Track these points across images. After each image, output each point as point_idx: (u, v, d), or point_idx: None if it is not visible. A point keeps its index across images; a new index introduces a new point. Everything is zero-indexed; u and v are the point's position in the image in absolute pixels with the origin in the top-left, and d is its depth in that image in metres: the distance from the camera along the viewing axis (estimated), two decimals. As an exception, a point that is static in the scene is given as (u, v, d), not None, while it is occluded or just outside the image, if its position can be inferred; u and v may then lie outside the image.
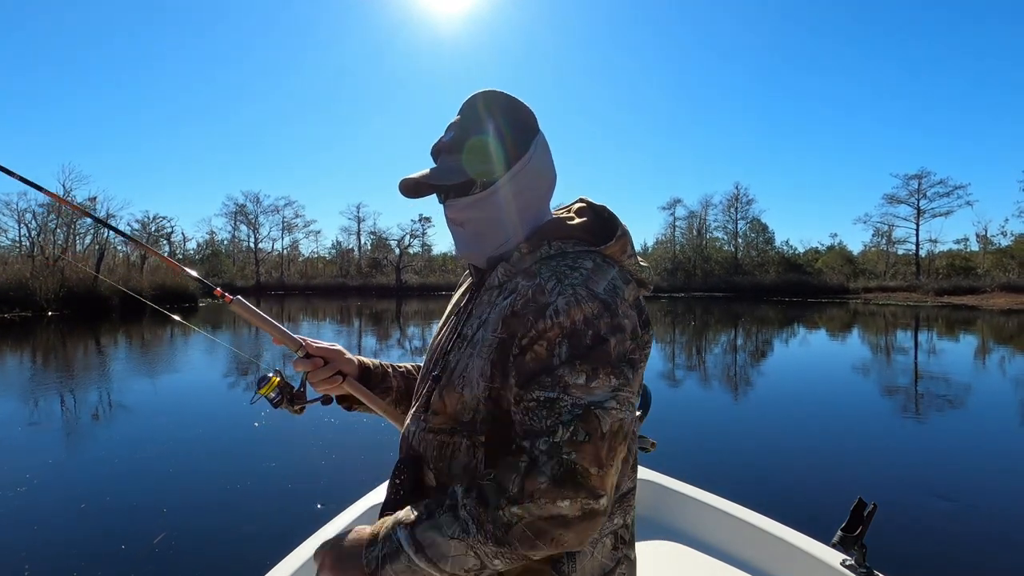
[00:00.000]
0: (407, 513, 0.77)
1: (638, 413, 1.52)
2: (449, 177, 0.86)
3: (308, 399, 1.03)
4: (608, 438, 0.72)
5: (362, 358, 1.11)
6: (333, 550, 0.80)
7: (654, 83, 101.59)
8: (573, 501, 0.69)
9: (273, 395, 1.01)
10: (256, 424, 6.47)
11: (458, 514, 0.73)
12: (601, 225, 0.90)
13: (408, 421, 0.94)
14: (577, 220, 0.90)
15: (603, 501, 0.71)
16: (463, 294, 1.01)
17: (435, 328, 1.05)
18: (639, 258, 0.90)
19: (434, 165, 0.91)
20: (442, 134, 0.90)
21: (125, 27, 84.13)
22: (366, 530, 0.80)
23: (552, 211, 0.95)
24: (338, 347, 1.07)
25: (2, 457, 5.22)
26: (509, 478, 0.71)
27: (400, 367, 1.16)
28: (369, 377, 1.10)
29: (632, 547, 0.90)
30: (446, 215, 0.91)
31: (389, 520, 0.78)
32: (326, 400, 1.04)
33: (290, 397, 1.02)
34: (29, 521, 3.84)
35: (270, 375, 1.02)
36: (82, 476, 4.75)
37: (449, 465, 0.83)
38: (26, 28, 73.86)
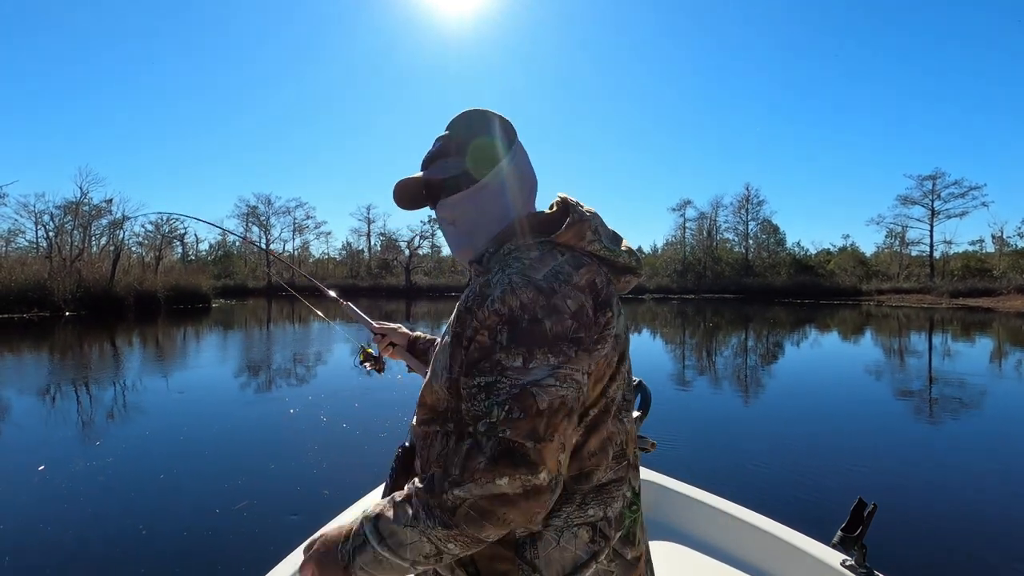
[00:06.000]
0: (374, 507, 0.81)
1: (637, 413, 1.55)
2: (443, 172, 0.94)
3: (376, 357, 1.50)
4: (547, 414, 0.73)
5: (419, 334, 1.48)
6: (315, 548, 0.85)
7: (663, 84, 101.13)
8: (512, 479, 0.71)
9: (362, 358, 1.53)
10: (260, 424, 6.56)
11: (411, 502, 0.76)
12: (564, 215, 0.92)
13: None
14: (547, 214, 0.95)
15: (543, 476, 0.72)
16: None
17: None
18: (624, 243, 0.94)
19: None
20: (431, 146, 0.99)
21: (138, 31, 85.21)
22: (344, 527, 0.84)
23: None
24: (395, 326, 1.48)
25: (6, 451, 5.36)
26: (452, 463, 0.75)
27: None
28: (414, 349, 1.44)
29: (630, 546, 0.88)
30: (439, 216, 0.98)
31: (360, 515, 0.83)
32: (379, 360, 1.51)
33: (369, 358, 1.52)
34: (10, 524, 3.92)
35: (359, 348, 1.55)
36: (85, 474, 4.84)
37: (428, 453, 0.90)
38: (36, 30, 75.10)
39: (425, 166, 0.99)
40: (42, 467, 4.88)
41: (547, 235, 0.89)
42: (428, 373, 0.94)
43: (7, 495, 4.30)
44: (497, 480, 0.71)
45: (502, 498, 0.71)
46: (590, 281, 0.84)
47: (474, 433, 0.75)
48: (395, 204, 1.02)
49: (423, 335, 1.47)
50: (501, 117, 0.97)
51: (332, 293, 1.71)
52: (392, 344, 1.45)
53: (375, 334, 1.48)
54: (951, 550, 3.54)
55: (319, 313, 2.14)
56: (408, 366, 1.46)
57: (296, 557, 1.77)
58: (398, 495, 0.80)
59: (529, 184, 0.98)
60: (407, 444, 0.98)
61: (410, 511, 0.76)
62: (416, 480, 0.80)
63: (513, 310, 0.77)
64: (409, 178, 0.99)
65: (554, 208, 0.96)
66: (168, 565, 3.24)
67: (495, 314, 0.78)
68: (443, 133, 0.99)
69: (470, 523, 0.72)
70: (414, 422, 0.96)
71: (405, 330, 1.47)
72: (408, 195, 1.00)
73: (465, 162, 0.93)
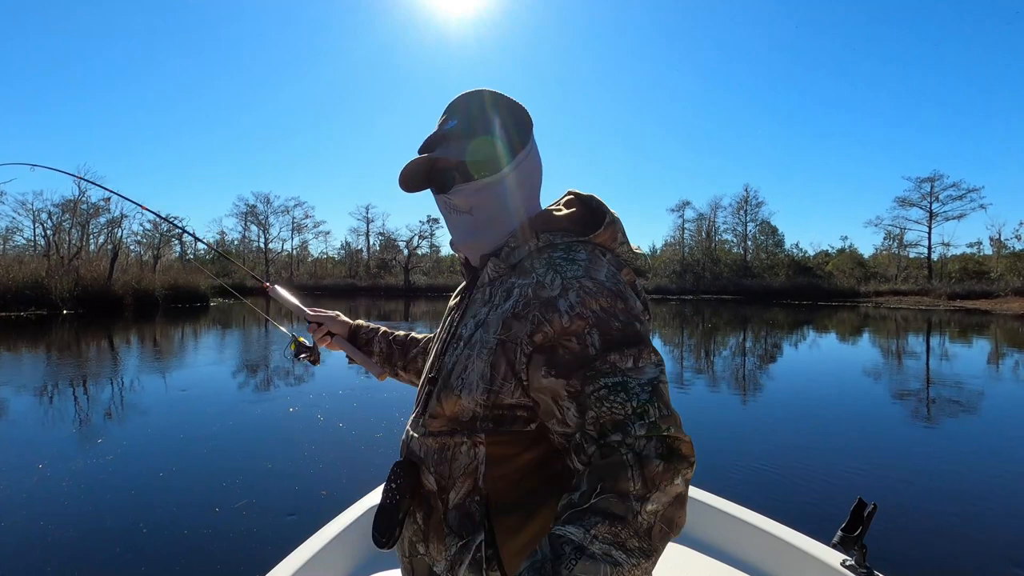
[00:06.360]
0: None
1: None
2: (460, 154, 0.86)
3: (310, 348, 1.36)
4: (671, 407, 0.72)
5: (360, 322, 1.36)
6: None
7: (663, 85, 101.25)
8: (683, 475, 0.67)
9: (294, 350, 1.39)
10: (259, 423, 6.55)
11: (594, 552, 0.62)
12: (589, 215, 0.90)
13: (408, 426, 0.95)
14: (565, 211, 0.90)
15: (695, 467, 0.70)
16: (457, 295, 1.02)
17: (437, 331, 1.07)
18: (633, 246, 0.91)
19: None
20: (436, 128, 0.90)
21: (138, 31, 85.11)
22: None
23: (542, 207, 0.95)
24: (332, 314, 1.35)
25: (5, 449, 5.35)
26: (623, 478, 0.65)
27: (393, 334, 1.33)
28: (356, 339, 1.34)
29: None
30: (449, 203, 0.90)
31: None
32: (316, 353, 1.37)
33: (303, 349, 1.37)
34: (9, 529, 3.92)
35: (290, 338, 1.42)
36: (85, 472, 4.83)
37: (450, 467, 0.83)
38: (36, 30, 74.93)
39: (431, 148, 0.89)
40: (41, 465, 4.87)
41: (581, 235, 0.86)
42: (443, 382, 0.86)
43: (6, 494, 4.29)
44: (675, 480, 0.67)
45: (679, 499, 0.67)
46: (631, 282, 0.87)
47: (623, 439, 0.68)
48: (399, 185, 0.91)
49: (365, 323, 1.36)
50: (519, 104, 0.91)
51: (265, 282, 1.49)
52: (330, 334, 1.33)
53: (310, 322, 1.35)
54: (951, 550, 3.54)
55: (248, 303, 2.02)
56: (348, 357, 1.32)
57: (296, 557, 1.76)
58: (544, 564, 0.63)
59: (540, 180, 0.94)
60: (407, 460, 0.90)
61: (599, 563, 0.61)
62: (573, 530, 0.63)
63: (597, 312, 0.75)
64: (420, 157, 0.89)
65: (574, 207, 0.91)
66: (168, 564, 3.23)
67: (579, 318, 0.74)
68: (455, 111, 0.90)
69: (663, 539, 0.65)
70: (418, 434, 0.89)
71: (344, 318, 1.35)
72: (418, 177, 0.91)
73: (489, 144, 0.86)
